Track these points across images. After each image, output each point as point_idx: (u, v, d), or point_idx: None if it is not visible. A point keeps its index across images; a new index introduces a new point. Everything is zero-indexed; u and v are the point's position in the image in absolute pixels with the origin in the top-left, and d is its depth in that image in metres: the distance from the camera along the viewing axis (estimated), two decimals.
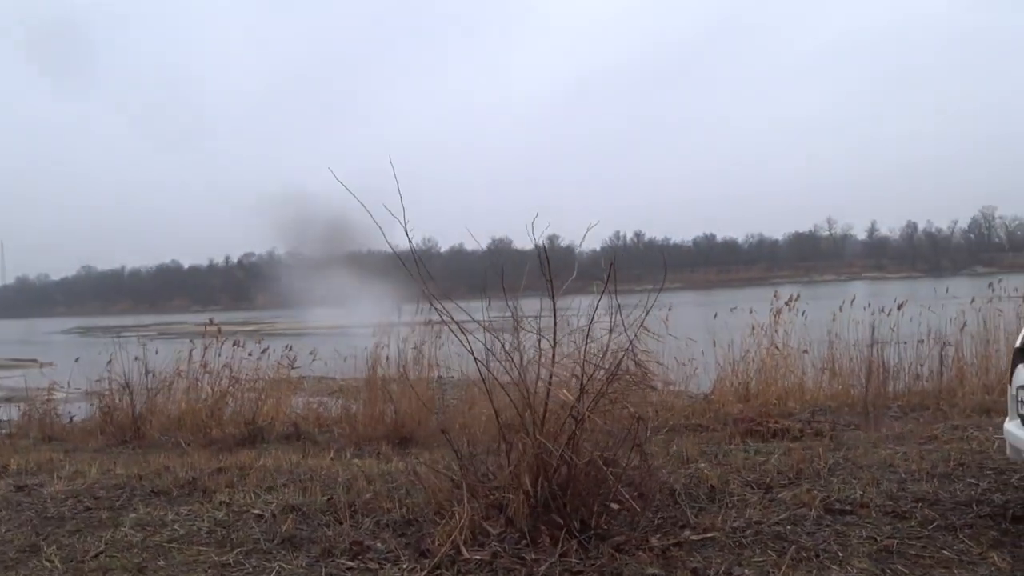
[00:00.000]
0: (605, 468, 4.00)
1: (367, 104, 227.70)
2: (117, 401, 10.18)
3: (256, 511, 4.71)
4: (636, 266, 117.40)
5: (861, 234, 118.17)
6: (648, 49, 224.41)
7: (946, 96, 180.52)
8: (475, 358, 4.49)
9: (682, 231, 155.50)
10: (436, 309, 4.86)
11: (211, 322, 11.55)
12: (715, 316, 11.84)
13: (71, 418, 11.29)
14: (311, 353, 11.77)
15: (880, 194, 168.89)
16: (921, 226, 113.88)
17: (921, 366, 10.72)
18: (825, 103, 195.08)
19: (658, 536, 3.99)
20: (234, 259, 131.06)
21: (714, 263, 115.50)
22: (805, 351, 11.10)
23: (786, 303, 11.57)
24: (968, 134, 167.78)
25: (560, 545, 3.74)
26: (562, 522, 3.86)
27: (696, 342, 10.90)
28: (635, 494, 4.11)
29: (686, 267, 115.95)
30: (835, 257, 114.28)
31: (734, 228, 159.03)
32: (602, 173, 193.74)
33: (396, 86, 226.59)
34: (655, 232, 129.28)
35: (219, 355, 11.13)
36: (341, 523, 4.45)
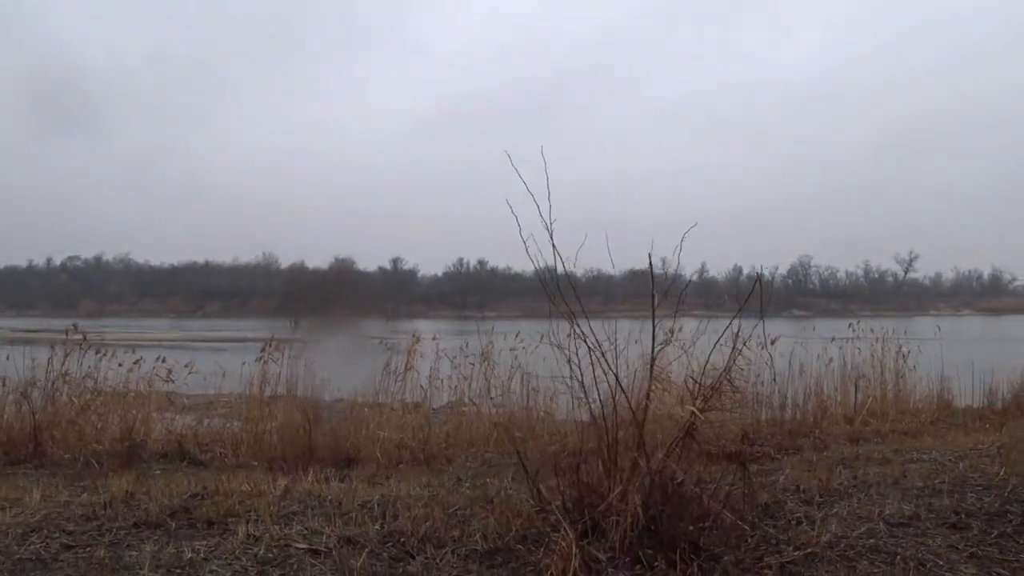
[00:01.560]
0: (711, 486, 3.92)
1: (224, 106, 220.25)
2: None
3: (302, 545, 4.18)
4: (477, 292, 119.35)
5: (691, 274, 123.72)
6: (511, 83, 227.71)
7: (775, 152, 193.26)
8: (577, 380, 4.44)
9: (524, 262, 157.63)
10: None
11: (74, 327, 10.58)
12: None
13: None
14: (187, 366, 11.04)
15: (709, 239, 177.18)
16: (746, 270, 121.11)
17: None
18: (666, 152, 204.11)
19: (766, 554, 3.94)
20: (56, 261, 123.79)
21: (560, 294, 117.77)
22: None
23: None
24: (793, 188, 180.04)
25: (677, 568, 3.64)
26: (673, 544, 3.78)
27: None
28: (737, 513, 4.05)
29: (527, 296, 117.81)
30: (668, 295, 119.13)
31: (573, 262, 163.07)
32: (450, 201, 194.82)
33: (255, 91, 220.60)
34: (497, 261, 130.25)
35: (81, 364, 10.23)
36: (413, 556, 4.06)
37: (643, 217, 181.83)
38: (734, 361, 4.44)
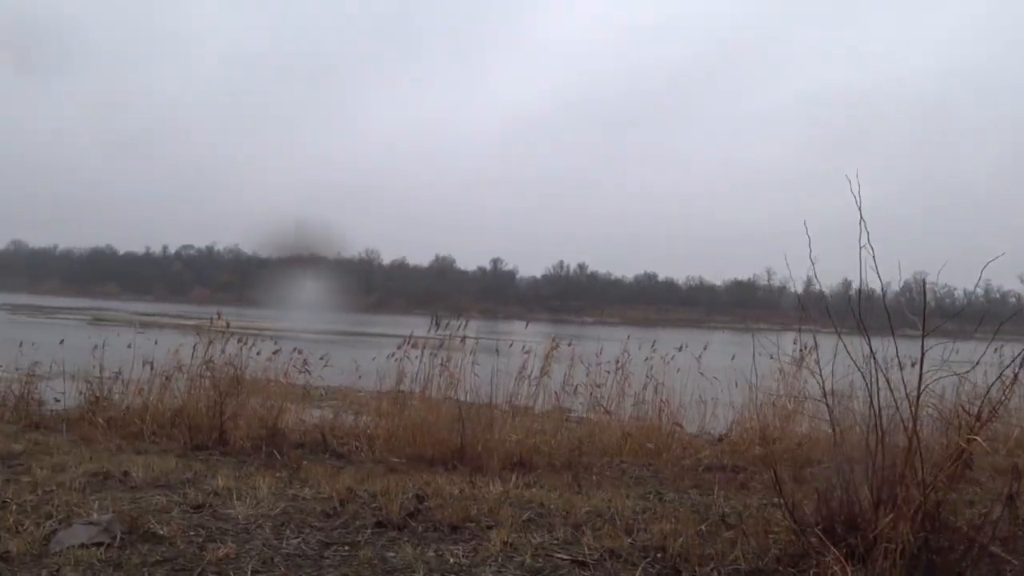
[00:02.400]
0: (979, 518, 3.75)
1: (337, 110, 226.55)
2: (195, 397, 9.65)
3: (563, 555, 4.14)
4: (576, 297, 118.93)
5: (799, 287, 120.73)
6: (622, 83, 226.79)
7: (892, 161, 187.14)
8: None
9: (624, 267, 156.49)
10: None
11: (218, 316, 10.87)
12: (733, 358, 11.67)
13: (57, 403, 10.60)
14: (321, 358, 11.23)
15: (820, 250, 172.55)
16: (856, 284, 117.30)
17: None
18: (779, 157, 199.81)
19: None
20: (172, 250, 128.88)
21: (653, 302, 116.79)
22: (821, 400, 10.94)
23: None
24: (885, 200, 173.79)
25: None
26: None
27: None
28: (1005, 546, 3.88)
29: (626, 303, 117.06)
30: (771, 307, 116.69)
31: (676, 270, 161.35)
32: (554, 202, 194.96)
33: (372, 94, 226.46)
34: (598, 265, 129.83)
35: (223, 352, 10.52)
36: (679, 572, 4.00)
37: (746, 226, 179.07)
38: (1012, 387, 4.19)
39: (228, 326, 10.87)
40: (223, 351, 10.42)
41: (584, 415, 10.52)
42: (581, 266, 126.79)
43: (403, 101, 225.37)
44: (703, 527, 4.71)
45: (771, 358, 11.52)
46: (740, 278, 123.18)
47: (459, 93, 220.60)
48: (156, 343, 11.02)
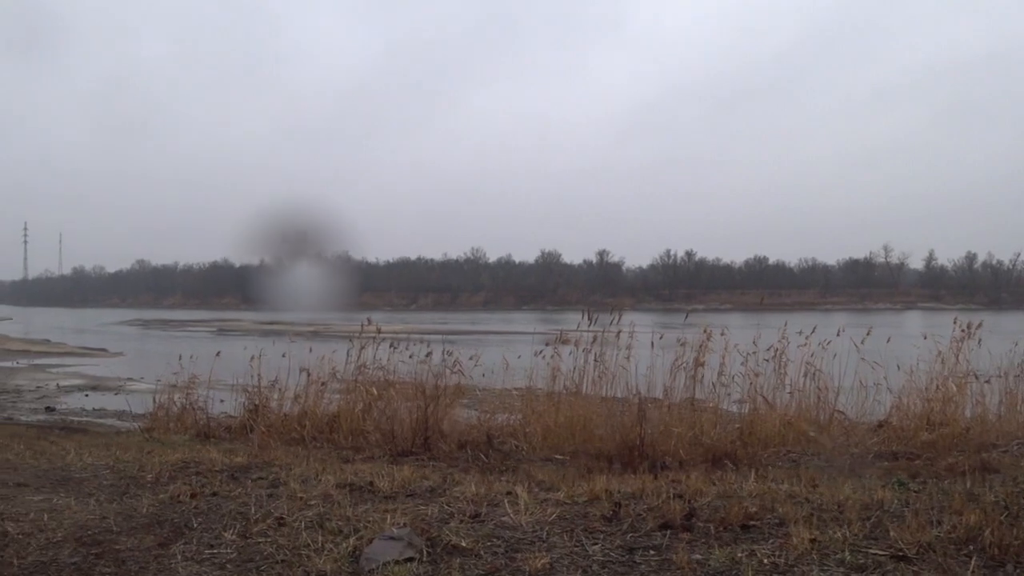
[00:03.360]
0: None
1: (442, 108, 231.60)
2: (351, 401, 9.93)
3: (878, 550, 3.93)
4: (686, 285, 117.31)
5: (918, 263, 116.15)
6: (730, 64, 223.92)
7: (997, 130, 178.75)
8: None
9: (733, 252, 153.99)
10: None
11: (368, 321, 11.06)
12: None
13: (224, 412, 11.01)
14: (471, 358, 11.31)
15: (940, 224, 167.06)
16: (981, 258, 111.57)
17: None
18: (891, 132, 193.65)
19: None
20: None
21: (764, 285, 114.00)
22: (987, 381, 10.48)
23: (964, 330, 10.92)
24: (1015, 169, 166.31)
25: None
26: None
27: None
28: None
29: (736, 288, 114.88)
30: (889, 285, 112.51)
31: (786, 252, 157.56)
32: (660, 190, 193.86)
33: (474, 89, 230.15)
34: (706, 252, 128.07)
35: (375, 356, 10.74)
36: (1004, 565, 3.74)
37: (864, 201, 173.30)
38: None
39: (380, 332, 11.07)
40: (375, 356, 10.72)
41: (741, 406, 10.29)
42: (689, 253, 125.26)
43: (506, 97, 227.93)
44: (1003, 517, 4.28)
45: (924, 339, 11.12)
46: (855, 256, 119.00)
47: (563, 85, 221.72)
48: (311, 351, 11.30)
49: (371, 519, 4.45)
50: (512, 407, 10.36)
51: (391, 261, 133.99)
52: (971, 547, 3.87)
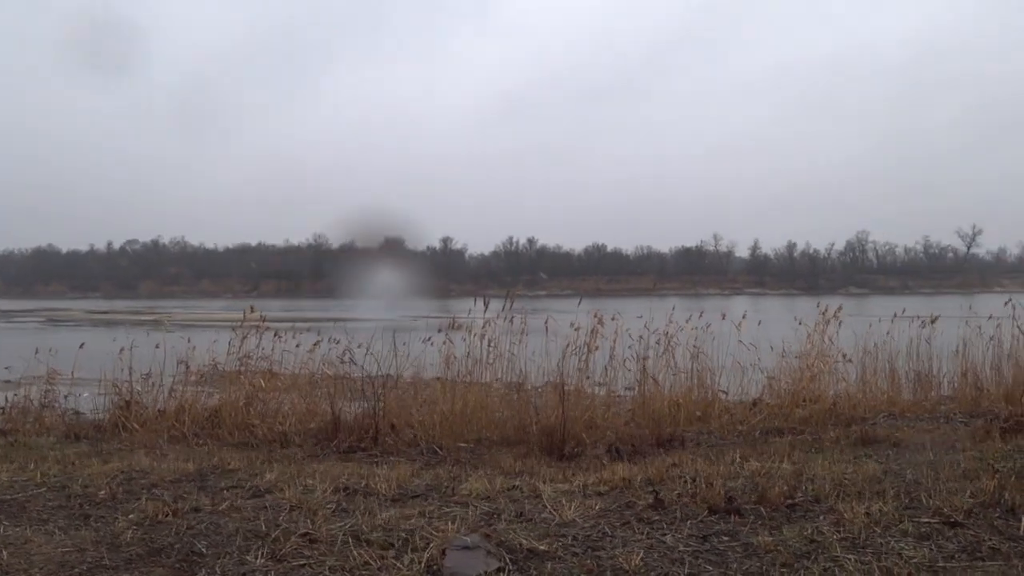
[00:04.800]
0: None
1: (301, 93, 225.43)
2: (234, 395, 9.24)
3: (930, 519, 4.09)
4: (528, 271, 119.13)
5: (744, 252, 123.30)
6: (587, 60, 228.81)
7: (837, 128, 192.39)
8: None
9: (575, 240, 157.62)
10: None
11: (251, 309, 10.52)
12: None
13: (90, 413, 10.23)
14: (360, 345, 10.98)
15: (764, 215, 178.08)
16: (800, 246, 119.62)
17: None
18: (735, 128, 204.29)
19: None
20: (116, 245, 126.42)
21: (603, 272, 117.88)
22: (850, 360, 11.21)
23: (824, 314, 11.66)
24: (851, 164, 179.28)
25: None
26: None
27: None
28: None
29: (576, 275, 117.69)
30: (719, 272, 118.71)
31: (624, 240, 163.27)
32: (507, 177, 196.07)
33: (336, 74, 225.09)
34: (547, 239, 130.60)
35: (259, 347, 10.30)
36: None
37: (702, 193, 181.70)
38: None
39: (264, 320, 10.61)
40: (259, 346, 10.26)
41: (628, 390, 10.53)
42: (531, 240, 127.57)
43: (368, 82, 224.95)
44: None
45: (800, 324, 11.81)
46: (687, 245, 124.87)
47: (427, 72, 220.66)
48: (190, 341, 10.69)
49: (411, 527, 4.07)
50: (406, 396, 10.16)
51: (231, 247, 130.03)
52: (998, 509, 4.16)
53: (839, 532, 3.91)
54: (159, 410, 9.91)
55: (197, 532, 4.06)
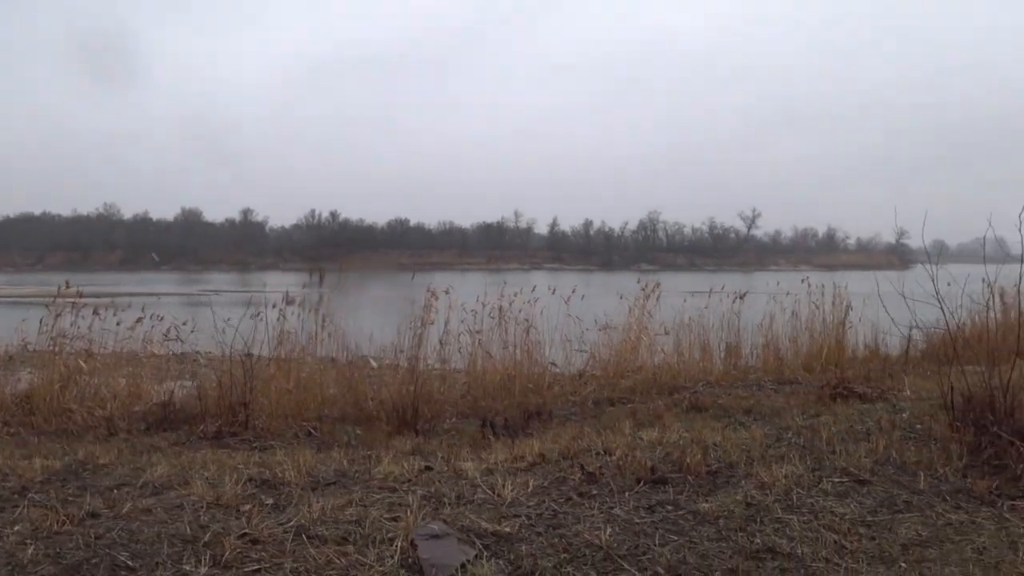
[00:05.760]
0: None
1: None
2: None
3: (843, 479, 4.47)
4: (331, 245, 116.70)
5: (543, 228, 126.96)
6: (396, 34, 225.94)
7: (635, 113, 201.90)
8: None
9: (376, 214, 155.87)
10: None
11: (67, 285, 9.65)
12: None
13: None
14: (184, 323, 10.39)
15: (563, 194, 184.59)
16: (597, 224, 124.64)
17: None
18: (528, 110, 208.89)
19: None
20: None
21: (406, 246, 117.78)
22: (667, 333, 11.89)
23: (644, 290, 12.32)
24: (646, 147, 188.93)
25: None
26: None
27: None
28: None
29: (379, 249, 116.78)
30: (519, 247, 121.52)
31: (427, 215, 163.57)
32: (311, 151, 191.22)
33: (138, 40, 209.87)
34: (351, 213, 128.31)
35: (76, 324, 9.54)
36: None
37: (504, 170, 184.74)
38: None
39: (81, 296, 9.82)
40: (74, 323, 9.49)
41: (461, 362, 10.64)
42: (333, 214, 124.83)
43: (171, 50, 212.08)
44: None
45: (621, 298, 12.39)
46: (489, 221, 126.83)
47: (235, 40, 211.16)
48: None
49: (354, 517, 3.83)
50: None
51: (12, 216, 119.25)
52: (891, 466, 4.69)
53: (768, 495, 4.19)
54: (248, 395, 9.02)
55: (111, 542, 3.51)
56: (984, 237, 7.11)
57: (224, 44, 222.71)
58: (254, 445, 6.37)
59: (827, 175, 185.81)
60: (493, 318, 10.65)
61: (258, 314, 10.05)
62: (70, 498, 4.20)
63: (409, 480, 4.57)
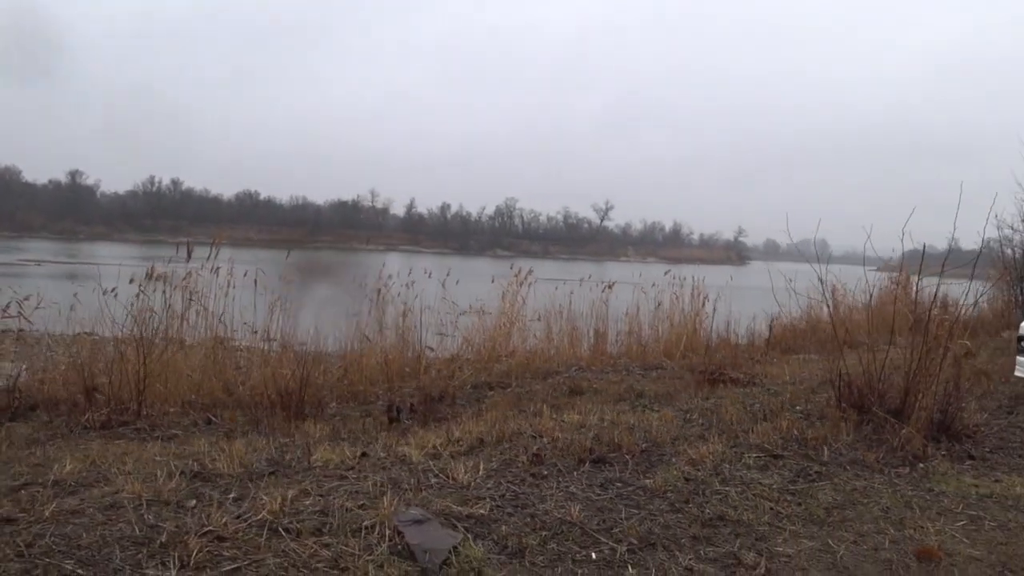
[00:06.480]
0: None
1: None
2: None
3: (755, 453, 5.19)
4: (171, 216, 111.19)
5: (400, 210, 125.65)
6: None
7: (496, 99, 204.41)
8: None
9: (223, 185, 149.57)
10: None
11: None
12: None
13: None
14: (27, 298, 9.39)
15: (421, 176, 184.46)
16: (454, 209, 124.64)
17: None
18: (389, 89, 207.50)
19: None
20: None
21: (255, 221, 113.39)
22: (539, 319, 12.07)
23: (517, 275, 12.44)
24: (506, 134, 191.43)
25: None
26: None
27: None
28: None
29: (225, 222, 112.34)
30: (374, 228, 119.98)
31: (278, 189, 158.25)
32: (149, 114, 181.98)
33: None
34: (195, 183, 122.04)
35: None
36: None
37: (362, 149, 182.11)
38: None
39: None
40: None
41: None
42: (175, 182, 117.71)
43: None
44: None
45: (492, 281, 12.46)
46: (344, 198, 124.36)
47: None
48: None
49: (319, 508, 3.66)
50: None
51: None
52: (796, 443, 5.25)
53: (701, 471, 4.54)
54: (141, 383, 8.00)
55: (46, 550, 3.08)
56: (814, 239, 8.31)
57: None
58: (155, 435, 5.94)
59: (675, 172, 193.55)
60: (372, 300, 10.50)
61: (113, 290, 9.35)
62: None
63: (351, 467, 4.46)
